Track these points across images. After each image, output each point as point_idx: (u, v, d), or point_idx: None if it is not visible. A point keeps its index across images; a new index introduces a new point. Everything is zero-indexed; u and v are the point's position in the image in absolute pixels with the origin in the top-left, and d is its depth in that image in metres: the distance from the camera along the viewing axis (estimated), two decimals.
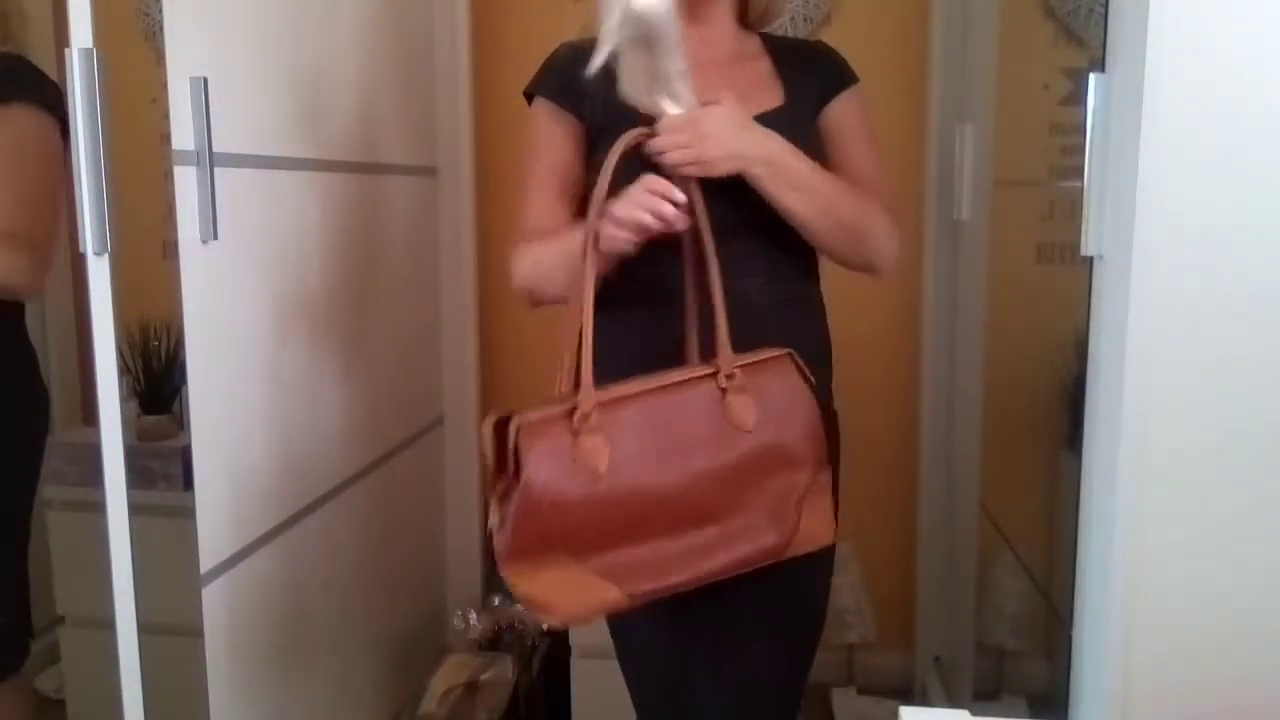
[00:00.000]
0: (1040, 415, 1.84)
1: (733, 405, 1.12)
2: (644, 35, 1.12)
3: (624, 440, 1.08)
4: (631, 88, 1.16)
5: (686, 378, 1.13)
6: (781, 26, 2.18)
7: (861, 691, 2.24)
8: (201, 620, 1.25)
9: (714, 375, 1.13)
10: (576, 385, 1.09)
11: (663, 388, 1.11)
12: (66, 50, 1.07)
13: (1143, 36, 0.91)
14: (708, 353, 1.18)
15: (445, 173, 2.17)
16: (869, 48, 2.19)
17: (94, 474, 1.15)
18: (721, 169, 1.16)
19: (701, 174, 1.15)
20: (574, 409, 1.07)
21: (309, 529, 1.54)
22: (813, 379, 1.16)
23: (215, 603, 1.27)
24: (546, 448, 1.06)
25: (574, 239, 1.19)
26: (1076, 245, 1.06)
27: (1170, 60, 0.91)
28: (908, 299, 2.21)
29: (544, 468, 1.05)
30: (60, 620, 1.84)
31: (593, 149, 1.28)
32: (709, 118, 1.16)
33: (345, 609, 1.70)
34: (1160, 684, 0.98)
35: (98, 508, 1.15)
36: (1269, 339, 0.94)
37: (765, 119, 1.28)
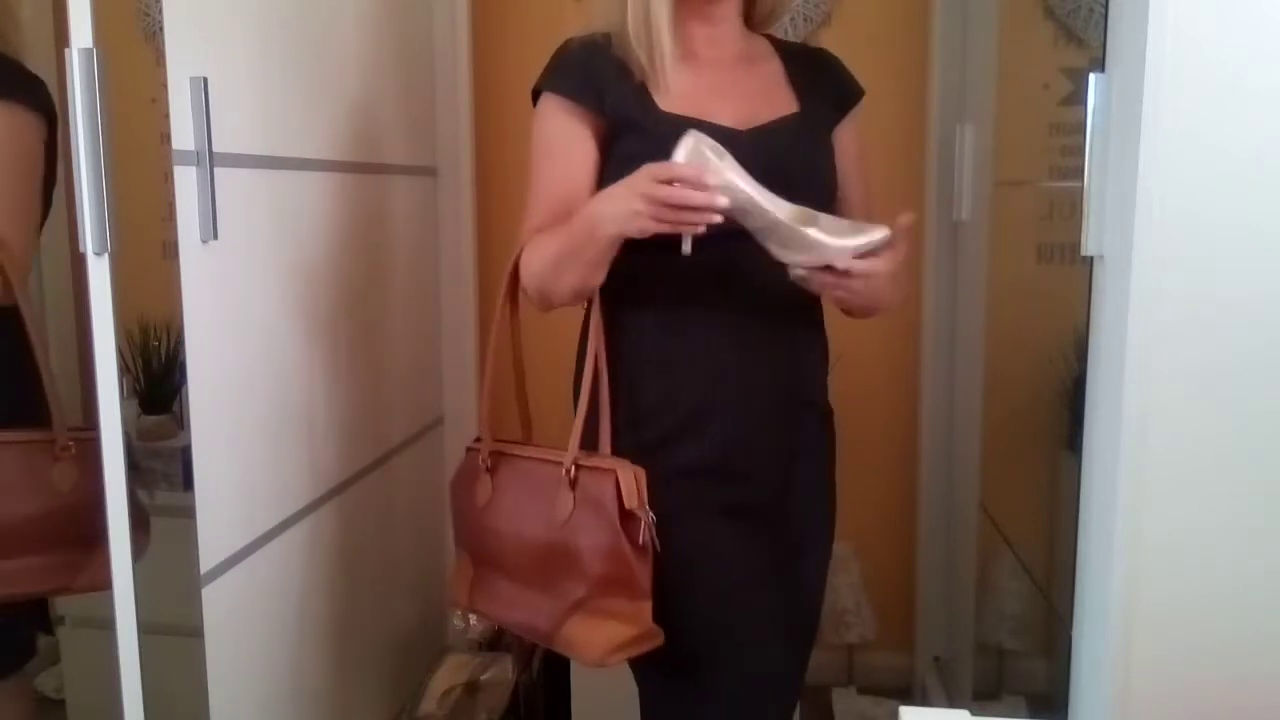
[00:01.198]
0: (1040, 415, 1.84)
1: (559, 497, 1.21)
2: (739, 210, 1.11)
3: (501, 487, 1.30)
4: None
5: (549, 457, 1.25)
6: (781, 27, 2.18)
7: (861, 691, 2.24)
8: (201, 620, 1.25)
9: (559, 464, 1.22)
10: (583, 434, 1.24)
11: (532, 459, 1.27)
12: (66, 50, 1.07)
13: (1143, 36, 0.91)
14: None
15: (445, 173, 2.17)
16: (869, 48, 2.19)
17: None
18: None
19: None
20: (482, 450, 1.31)
21: (309, 529, 1.54)
22: (635, 505, 1.16)
23: (215, 603, 1.27)
24: (465, 470, 1.35)
25: (576, 220, 1.17)
26: (1076, 245, 1.06)
27: (1170, 60, 0.91)
28: (908, 299, 2.20)
29: (460, 485, 1.35)
30: (60, 620, 1.84)
31: (612, 142, 1.25)
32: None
33: (345, 609, 1.70)
34: (1160, 684, 0.98)
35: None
36: (1269, 339, 0.94)
37: (782, 125, 1.28)
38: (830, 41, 2.20)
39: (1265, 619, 0.97)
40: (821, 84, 1.34)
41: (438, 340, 2.18)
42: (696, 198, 1.06)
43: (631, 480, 1.17)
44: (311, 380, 1.55)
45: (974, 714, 0.85)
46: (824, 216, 1.14)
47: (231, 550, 1.32)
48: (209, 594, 1.26)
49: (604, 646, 1.18)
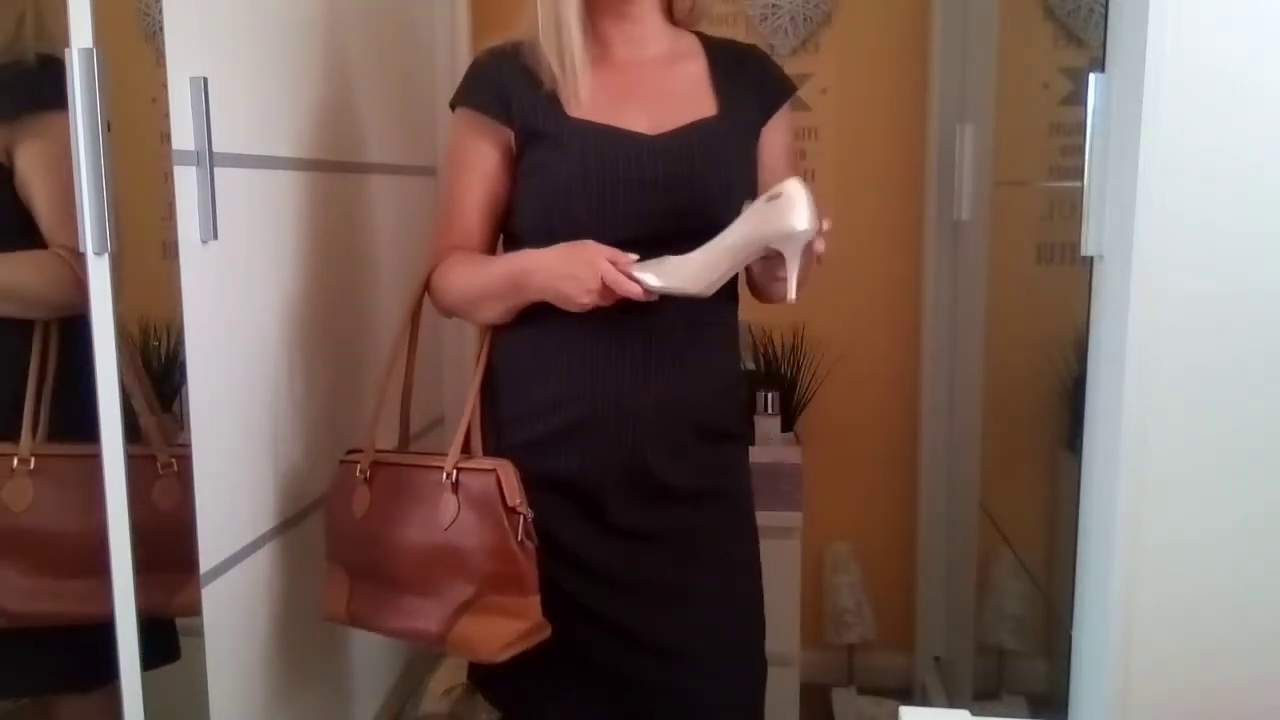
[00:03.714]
0: (1040, 415, 1.84)
1: (442, 500, 1.22)
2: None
3: (379, 497, 1.29)
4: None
5: (429, 464, 1.25)
6: (781, 27, 2.18)
7: (861, 691, 2.24)
8: (202, 620, 1.25)
9: (440, 468, 1.23)
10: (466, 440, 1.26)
11: (411, 465, 1.28)
12: (66, 50, 1.07)
13: (1143, 36, 0.92)
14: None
15: (445, 173, 2.17)
16: (869, 48, 2.19)
17: None
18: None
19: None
20: (358, 462, 1.32)
21: (309, 529, 1.54)
22: (517, 502, 1.19)
23: (215, 603, 1.27)
24: (340, 483, 1.35)
25: (504, 272, 1.24)
26: (1076, 245, 1.06)
27: (1170, 60, 0.91)
28: (908, 299, 2.21)
29: (333, 498, 1.36)
30: None
31: (521, 153, 1.26)
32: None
33: None
34: (1160, 684, 0.99)
35: None
36: (1269, 339, 0.94)
37: (696, 128, 1.25)
38: (830, 41, 2.20)
39: (1265, 619, 0.97)
40: (747, 84, 1.31)
41: (437, 340, 2.18)
42: (633, 291, 1.14)
43: (513, 478, 1.19)
44: (311, 380, 1.55)
45: (974, 714, 0.85)
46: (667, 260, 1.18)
47: (231, 550, 1.32)
48: (209, 594, 1.25)
49: (500, 642, 1.18)
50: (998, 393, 1.99)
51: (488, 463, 1.22)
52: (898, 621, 2.31)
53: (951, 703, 2.07)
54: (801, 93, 2.19)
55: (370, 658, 1.85)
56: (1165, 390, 0.95)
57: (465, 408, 1.28)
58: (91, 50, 1.07)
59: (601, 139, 1.22)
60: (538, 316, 1.25)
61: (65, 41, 1.08)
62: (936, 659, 2.25)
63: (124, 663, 1.16)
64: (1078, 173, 1.07)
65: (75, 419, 1.20)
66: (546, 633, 1.21)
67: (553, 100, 1.23)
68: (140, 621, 1.16)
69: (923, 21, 2.12)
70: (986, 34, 1.99)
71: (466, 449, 1.26)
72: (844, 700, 2.21)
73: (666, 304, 1.19)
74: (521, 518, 1.18)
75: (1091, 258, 1.05)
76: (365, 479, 1.30)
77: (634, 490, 1.27)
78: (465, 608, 1.21)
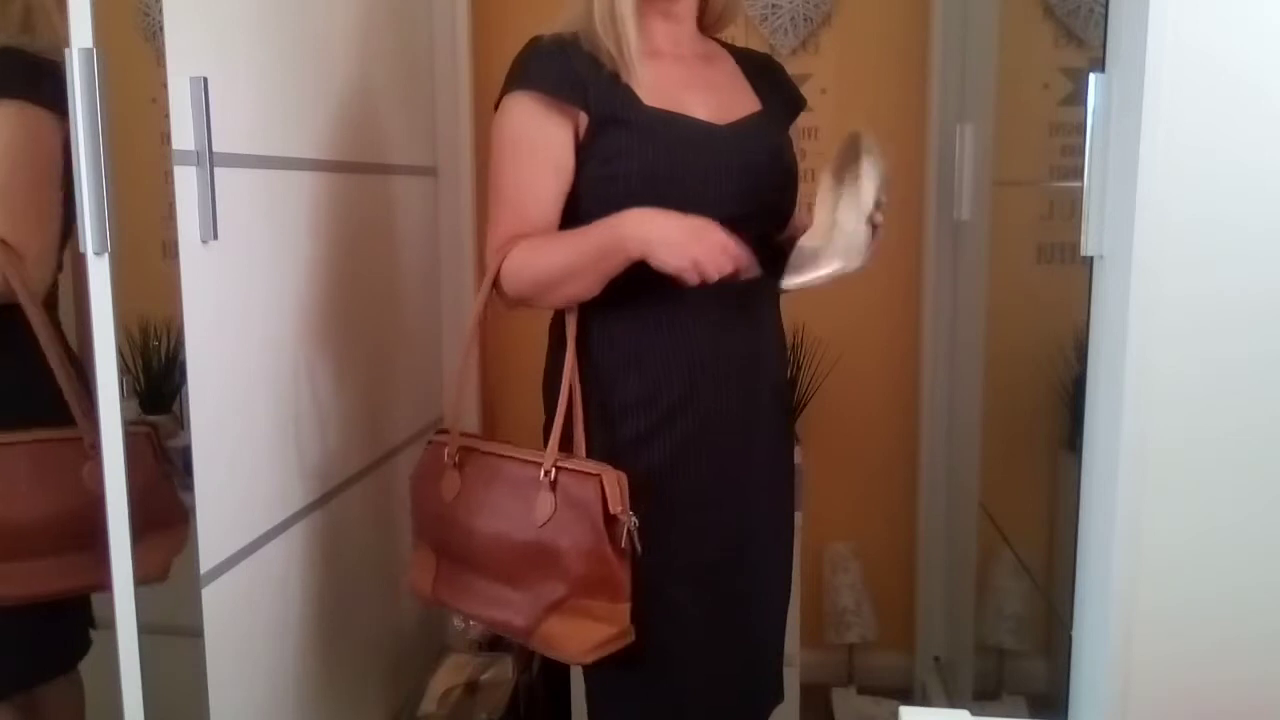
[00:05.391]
0: (1040, 415, 1.83)
1: (539, 498, 1.21)
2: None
3: (470, 483, 1.29)
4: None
5: (527, 458, 1.25)
6: (782, 27, 2.18)
7: (861, 691, 2.24)
8: (201, 620, 1.25)
9: (538, 465, 1.23)
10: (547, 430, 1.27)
11: (507, 456, 1.27)
12: (66, 50, 1.07)
13: (1143, 36, 0.91)
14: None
15: (445, 173, 2.17)
16: (869, 48, 2.19)
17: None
18: None
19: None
20: (448, 446, 1.31)
21: (309, 529, 1.54)
22: (619, 510, 1.18)
23: (215, 603, 1.27)
24: (428, 463, 1.36)
25: (598, 236, 1.19)
26: (1076, 245, 1.06)
27: (1170, 60, 0.91)
28: (908, 299, 2.21)
29: (423, 478, 1.35)
30: None
31: (590, 139, 1.24)
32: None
33: (345, 609, 1.70)
34: (1160, 684, 0.99)
35: None
36: (1269, 339, 0.94)
37: (751, 122, 1.31)
38: (830, 41, 2.20)
39: (1265, 619, 0.97)
40: (773, 87, 1.38)
41: (438, 340, 2.18)
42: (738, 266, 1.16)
43: (615, 485, 1.18)
44: (311, 380, 1.55)
45: (974, 714, 0.85)
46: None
47: (231, 550, 1.32)
48: (209, 594, 1.25)
49: (585, 645, 1.19)
50: (998, 393, 1.99)
51: (591, 466, 1.21)
52: (898, 621, 2.31)
53: (951, 703, 2.07)
54: (801, 92, 2.20)
55: (370, 658, 1.85)
56: (1165, 390, 0.95)
57: (559, 402, 1.25)
58: (91, 50, 1.07)
59: (681, 127, 1.24)
60: (632, 297, 1.23)
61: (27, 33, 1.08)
62: (936, 659, 2.25)
63: (124, 662, 1.16)
64: (1078, 173, 1.06)
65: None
66: (630, 639, 1.21)
67: (625, 88, 1.23)
68: (139, 625, 1.16)
69: (923, 21, 2.12)
70: (986, 34, 1.99)
71: (563, 446, 1.25)
72: (844, 700, 2.21)
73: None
74: (624, 525, 1.18)
75: (1091, 258, 1.05)
76: (455, 463, 1.30)
77: (734, 450, 1.31)
78: (555, 607, 1.21)
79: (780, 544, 1.44)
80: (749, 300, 1.28)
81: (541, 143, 1.24)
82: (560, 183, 1.25)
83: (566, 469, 1.21)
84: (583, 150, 1.24)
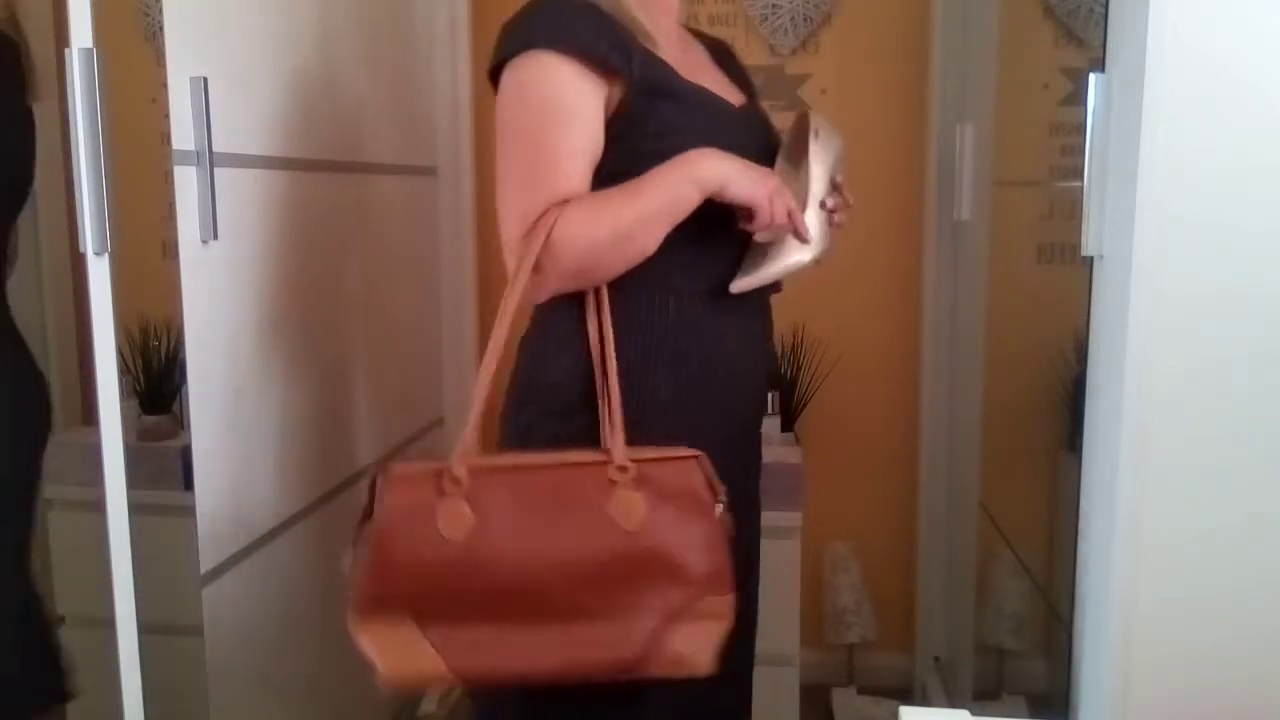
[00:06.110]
0: (1040, 415, 1.84)
1: (619, 498, 1.04)
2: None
3: (495, 512, 1.03)
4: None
5: (576, 461, 1.06)
6: (782, 27, 2.18)
7: (861, 691, 2.24)
8: (202, 620, 1.25)
9: (605, 464, 1.05)
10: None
11: (545, 466, 1.06)
12: (66, 50, 1.07)
13: (1143, 36, 0.91)
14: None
15: (445, 173, 2.17)
16: (869, 48, 2.19)
17: (94, 474, 1.15)
18: None
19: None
20: (445, 469, 1.03)
21: (309, 529, 1.54)
22: (720, 490, 1.06)
23: (215, 603, 1.27)
24: (406, 505, 1.03)
25: (664, 179, 1.09)
26: (1076, 245, 1.06)
27: (1170, 60, 0.91)
28: (908, 299, 2.21)
29: (398, 525, 1.03)
30: (61, 620, 1.84)
31: (633, 110, 1.12)
32: None
33: (345, 609, 1.70)
34: (1160, 684, 0.98)
35: (97, 507, 1.15)
36: (1269, 339, 0.94)
37: (752, 106, 1.31)
38: (830, 41, 2.20)
39: (1266, 619, 0.97)
40: (733, 72, 1.35)
41: (438, 340, 2.18)
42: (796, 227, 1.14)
43: (709, 465, 1.07)
44: (311, 380, 1.55)
45: (974, 714, 0.85)
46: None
47: (231, 550, 1.32)
48: (209, 594, 1.25)
49: (713, 648, 1.06)
50: (998, 393, 1.99)
51: (675, 451, 1.07)
52: (898, 621, 2.31)
53: (951, 703, 2.07)
54: (801, 92, 2.20)
55: None
56: (1165, 390, 0.95)
57: (610, 392, 1.10)
58: (91, 50, 1.07)
59: (719, 106, 1.21)
60: (679, 295, 1.17)
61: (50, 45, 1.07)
62: (936, 659, 2.25)
63: (124, 663, 1.16)
64: (1078, 173, 1.06)
65: None
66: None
67: (660, 59, 1.14)
68: (139, 625, 1.16)
69: (923, 21, 2.12)
70: (986, 34, 1.99)
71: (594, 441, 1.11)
72: (844, 700, 2.21)
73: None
74: (723, 507, 1.07)
75: (1091, 258, 1.05)
76: (462, 493, 1.03)
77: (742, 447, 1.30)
78: (675, 617, 1.04)
79: (746, 530, 1.28)
80: (761, 295, 1.27)
81: (579, 108, 1.09)
82: (593, 150, 1.11)
83: (650, 460, 1.06)
84: (620, 121, 1.12)
